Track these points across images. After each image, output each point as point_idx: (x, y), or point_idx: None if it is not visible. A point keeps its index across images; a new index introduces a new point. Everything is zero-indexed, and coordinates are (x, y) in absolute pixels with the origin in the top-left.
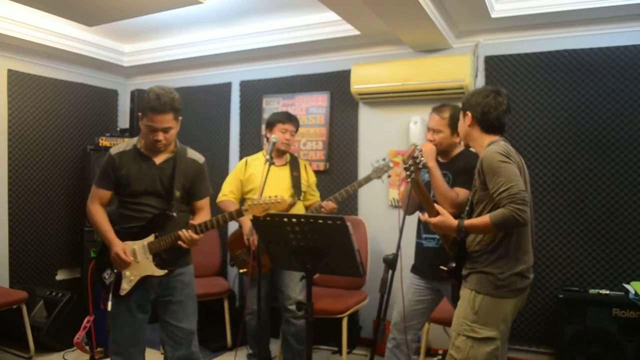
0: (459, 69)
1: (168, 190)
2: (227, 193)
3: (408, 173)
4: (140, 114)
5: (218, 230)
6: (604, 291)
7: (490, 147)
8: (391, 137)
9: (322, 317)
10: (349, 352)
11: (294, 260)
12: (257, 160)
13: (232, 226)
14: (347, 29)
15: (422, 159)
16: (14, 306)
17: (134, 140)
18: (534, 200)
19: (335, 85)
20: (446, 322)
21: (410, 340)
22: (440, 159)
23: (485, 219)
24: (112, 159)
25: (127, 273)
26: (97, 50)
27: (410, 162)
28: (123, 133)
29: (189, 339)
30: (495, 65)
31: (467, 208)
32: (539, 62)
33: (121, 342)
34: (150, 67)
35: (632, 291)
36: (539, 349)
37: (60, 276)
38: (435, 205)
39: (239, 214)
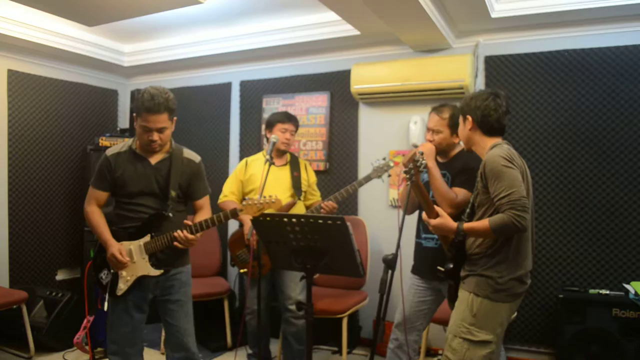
0: (459, 69)
1: (164, 190)
2: (228, 194)
3: (409, 176)
4: (135, 114)
5: (218, 230)
6: (604, 291)
7: (493, 150)
8: (391, 137)
9: (322, 317)
10: (349, 352)
11: (294, 260)
12: (257, 161)
13: (233, 226)
14: (347, 29)
15: (424, 162)
16: (14, 306)
17: (130, 141)
18: (535, 201)
19: (335, 85)
20: (446, 322)
21: (413, 341)
22: (439, 159)
23: (484, 223)
24: (107, 161)
25: (123, 273)
26: (97, 50)
27: (411, 165)
28: (123, 133)
29: (188, 339)
30: (495, 65)
31: (467, 210)
32: (539, 62)
33: (119, 342)
34: (150, 67)
35: (632, 291)
36: (539, 349)
37: (60, 276)
38: (435, 207)
39: (234, 214)
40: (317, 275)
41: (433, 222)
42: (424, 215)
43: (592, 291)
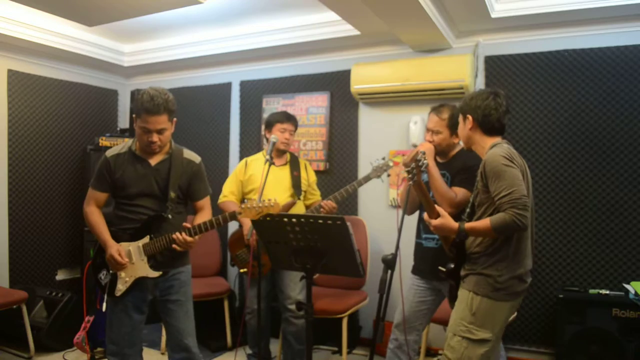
0: (459, 69)
1: (164, 191)
2: (228, 194)
3: (410, 176)
4: (134, 115)
5: (218, 230)
6: (604, 291)
7: (493, 150)
8: (391, 137)
9: (322, 317)
10: (349, 352)
11: (294, 260)
12: (257, 161)
13: (233, 226)
14: (347, 29)
15: (425, 161)
16: (14, 306)
17: (130, 142)
18: (534, 201)
19: (335, 85)
20: (446, 322)
21: (413, 341)
22: (438, 160)
23: (485, 222)
24: (107, 162)
25: (122, 274)
26: (97, 50)
27: (413, 164)
28: (123, 133)
29: (188, 339)
30: (495, 65)
31: (467, 210)
32: (539, 62)
33: (118, 343)
34: (150, 67)
35: (632, 291)
36: (539, 349)
37: (60, 276)
38: (436, 206)
39: (233, 217)
40: (317, 275)
41: (434, 222)
42: (425, 215)
43: (592, 291)
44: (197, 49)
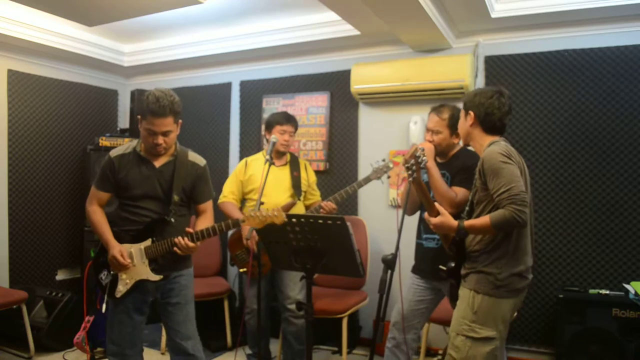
0: (459, 69)
1: (167, 194)
2: (228, 194)
3: (410, 172)
4: (139, 116)
5: None
6: (604, 291)
7: (491, 147)
8: (391, 137)
9: (322, 317)
10: (349, 352)
11: (294, 260)
12: (257, 161)
13: None
14: (347, 29)
15: (424, 158)
16: (14, 306)
17: (134, 143)
18: (534, 200)
19: (335, 85)
20: (446, 322)
21: (411, 339)
22: (438, 160)
23: (485, 219)
24: (111, 162)
25: (123, 276)
26: (97, 50)
27: (412, 161)
28: (123, 133)
29: (188, 342)
30: (495, 65)
31: (467, 208)
32: (539, 62)
33: (118, 343)
34: (150, 67)
35: (632, 291)
36: (539, 349)
37: (60, 276)
38: (436, 204)
39: (236, 224)
40: (317, 275)
41: (434, 220)
42: (426, 214)
43: (592, 291)
44: (197, 49)
